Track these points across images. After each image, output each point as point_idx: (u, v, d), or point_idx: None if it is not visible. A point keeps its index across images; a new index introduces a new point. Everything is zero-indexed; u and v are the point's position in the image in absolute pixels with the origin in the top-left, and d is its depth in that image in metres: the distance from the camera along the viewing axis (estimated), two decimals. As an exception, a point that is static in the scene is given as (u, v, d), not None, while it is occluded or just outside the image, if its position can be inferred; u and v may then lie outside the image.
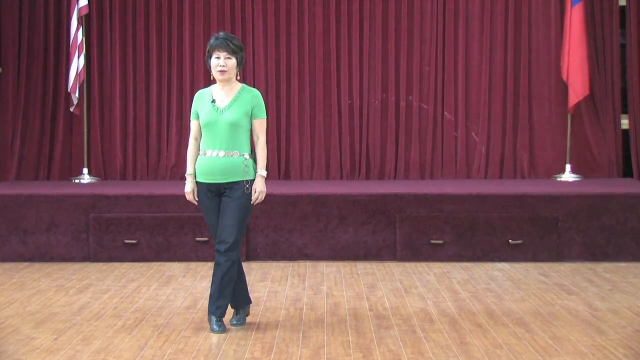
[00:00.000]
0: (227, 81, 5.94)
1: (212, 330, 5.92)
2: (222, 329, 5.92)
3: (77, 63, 9.93)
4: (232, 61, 5.89)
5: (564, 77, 10.09)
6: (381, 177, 10.54)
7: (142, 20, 10.56)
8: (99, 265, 8.49)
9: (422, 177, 10.51)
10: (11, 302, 6.90)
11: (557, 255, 8.54)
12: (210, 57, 5.93)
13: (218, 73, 5.91)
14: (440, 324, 6.13)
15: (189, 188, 6.00)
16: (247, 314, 6.22)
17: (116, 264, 8.50)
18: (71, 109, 10.17)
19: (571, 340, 5.66)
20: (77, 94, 9.97)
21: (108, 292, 7.26)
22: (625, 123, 10.53)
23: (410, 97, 10.57)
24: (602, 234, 8.56)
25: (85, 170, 10.25)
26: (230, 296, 5.99)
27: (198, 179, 5.96)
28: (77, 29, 9.94)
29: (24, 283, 7.69)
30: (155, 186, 9.66)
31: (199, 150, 5.98)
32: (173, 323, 6.19)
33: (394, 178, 10.50)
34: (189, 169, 6.00)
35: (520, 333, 5.86)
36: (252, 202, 5.94)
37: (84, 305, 6.79)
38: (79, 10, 9.91)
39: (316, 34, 10.51)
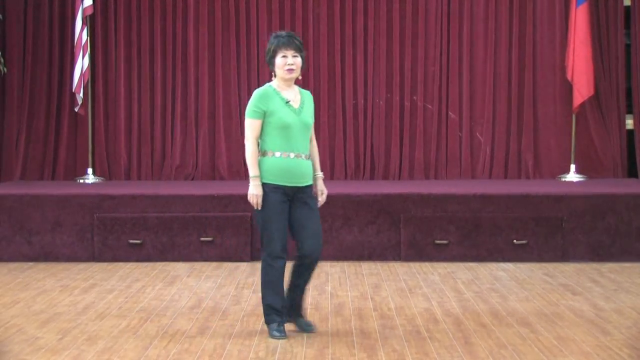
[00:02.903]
0: (292, 81, 5.79)
1: (307, 329, 5.88)
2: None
3: (82, 63, 9.94)
4: (299, 59, 5.75)
5: (569, 77, 10.08)
6: (385, 177, 10.54)
7: (146, 20, 10.58)
8: (104, 265, 8.50)
9: (427, 177, 10.51)
10: (16, 302, 6.91)
11: (561, 255, 8.54)
12: (274, 56, 5.72)
13: (286, 72, 5.71)
14: (444, 324, 6.13)
15: (259, 190, 5.65)
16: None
17: (121, 264, 8.50)
18: (76, 109, 10.19)
19: (576, 341, 5.66)
20: (81, 94, 9.99)
21: (113, 292, 7.27)
22: (630, 123, 10.52)
23: (414, 97, 10.57)
24: (606, 234, 8.55)
25: (89, 171, 10.27)
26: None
27: (273, 182, 5.66)
28: (82, 29, 9.95)
29: (29, 283, 7.69)
30: (160, 186, 9.67)
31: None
32: (178, 323, 6.19)
33: (399, 178, 10.50)
34: (256, 171, 5.68)
35: (524, 333, 5.85)
36: (318, 206, 5.86)
37: (89, 305, 6.80)
38: (84, 10, 9.93)
39: (320, 35, 10.52)
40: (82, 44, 9.96)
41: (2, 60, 10.15)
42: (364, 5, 10.54)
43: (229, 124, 10.58)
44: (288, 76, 5.74)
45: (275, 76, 5.80)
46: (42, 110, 10.56)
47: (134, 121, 10.60)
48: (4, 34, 10.53)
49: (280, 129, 5.69)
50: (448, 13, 10.53)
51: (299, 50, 5.74)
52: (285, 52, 5.71)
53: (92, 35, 10.37)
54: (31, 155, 10.56)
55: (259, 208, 5.69)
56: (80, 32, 9.95)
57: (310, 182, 5.80)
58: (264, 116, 5.71)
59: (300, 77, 5.86)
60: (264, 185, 5.69)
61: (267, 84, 5.84)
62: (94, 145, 10.43)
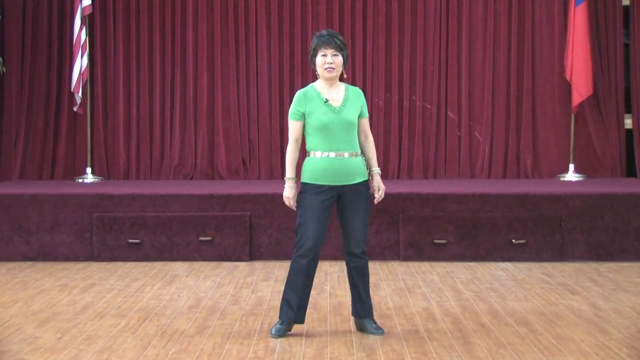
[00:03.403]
0: (334, 79, 5.74)
1: (374, 332, 5.82)
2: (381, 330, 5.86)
3: (81, 62, 9.94)
4: (339, 58, 5.70)
5: (568, 77, 10.08)
6: (384, 176, 10.47)
7: (145, 19, 10.57)
8: (103, 264, 8.50)
9: (426, 177, 10.51)
10: (15, 302, 6.91)
11: (560, 255, 8.54)
12: (315, 55, 5.72)
13: (325, 71, 5.69)
14: (443, 323, 6.13)
15: (290, 193, 5.74)
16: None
17: (120, 264, 8.50)
18: (75, 109, 10.18)
19: (575, 340, 5.66)
20: (80, 94, 9.99)
21: (111, 292, 7.26)
22: (628, 123, 10.53)
23: (413, 97, 10.57)
24: (605, 233, 8.55)
25: (88, 170, 10.26)
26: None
27: (314, 181, 5.68)
28: (81, 29, 9.95)
29: (28, 282, 7.69)
30: (159, 186, 9.67)
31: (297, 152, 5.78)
32: (176, 322, 6.19)
33: (398, 178, 10.50)
34: (291, 173, 5.74)
35: (523, 333, 5.86)
36: (375, 202, 5.83)
37: (88, 304, 6.80)
38: (83, 9, 9.93)
39: (319, 34, 10.50)
40: (81, 44, 9.95)
41: (1, 59, 10.15)
42: (363, 4, 10.53)
43: (227, 124, 10.58)
44: (328, 75, 5.72)
45: (319, 76, 5.81)
46: (41, 110, 10.56)
47: (132, 121, 10.60)
48: (3, 34, 10.51)
49: (319, 129, 5.70)
50: (447, 12, 10.53)
51: (339, 49, 5.71)
52: (325, 51, 5.70)
53: (90, 34, 10.37)
54: (30, 155, 10.56)
55: (294, 209, 5.78)
56: (79, 32, 9.95)
57: (359, 180, 5.75)
58: (304, 117, 5.74)
59: (345, 76, 5.84)
60: (305, 184, 5.74)
61: (310, 84, 5.85)
62: (92, 144, 10.43)
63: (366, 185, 5.81)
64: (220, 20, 10.55)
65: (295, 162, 5.77)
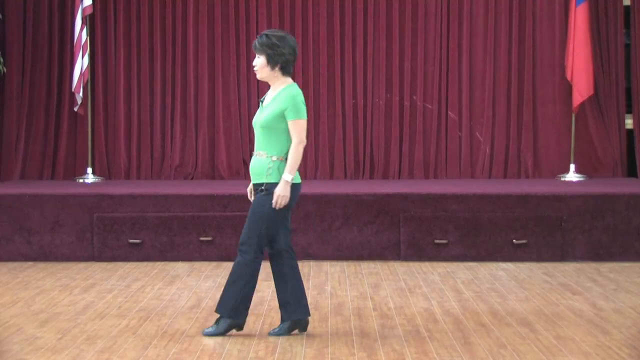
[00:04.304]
0: (266, 79, 5.79)
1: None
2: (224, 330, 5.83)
3: (81, 63, 9.95)
4: (260, 59, 5.71)
5: (568, 77, 10.08)
6: (385, 176, 10.54)
7: (146, 19, 10.58)
8: (103, 264, 8.50)
9: (426, 177, 10.51)
10: (16, 302, 6.91)
11: (561, 255, 8.54)
12: None
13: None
14: (444, 323, 6.13)
15: (249, 187, 5.95)
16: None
17: (120, 264, 8.50)
18: (75, 109, 10.19)
19: (575, 340, 5.66)
20: (81, 94, 9.99)
21: (112, 292, 7.26)
22: (629, 123, 10.53)
23: (414, 97, 10.57)
24: (606, 233, 8.55)
25: (89, 170, 10.27)
26: (229, 298, 5.75)
27: None
28: (81, 29, 9.95)
29: (29, 282, 7.69)
30: (160, 186, 9.67)
31: None
32: (177, 322, 6.19)
33: (398, 178, 10.50)
34: None
35: (524, 333, 5.86)
36: (272, 206, 5.68)
37: (88, 304, 6.80)
38: (83, 10, 9.93)
39: (320, 34, 10.51)
40: (82, 44, 9.96)
41: (1, 60, 10.15)
42: (364, 5, 10.54)
43: (228, 124, 10.58)
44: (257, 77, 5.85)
45: None
46: (42, 110, 10.56)
47: (133, 121, 10.60)
48: (4, 34, 10.52)
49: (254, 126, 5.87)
50: (448, 13, 10.53)
51: (259, 51, 5.72)
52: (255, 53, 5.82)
53: (91, 34, 10.37)
54: (31, 155, 10.56)
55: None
56: (80, 32, 9.95)
57: (259, 181, 5.74)
58: None
59: (277, 74, 5.72)
60: None
61: None
62: (93, 144, 10.43)
63: (264, 186, 5.70)
64: (220, 20, 10.55)
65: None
